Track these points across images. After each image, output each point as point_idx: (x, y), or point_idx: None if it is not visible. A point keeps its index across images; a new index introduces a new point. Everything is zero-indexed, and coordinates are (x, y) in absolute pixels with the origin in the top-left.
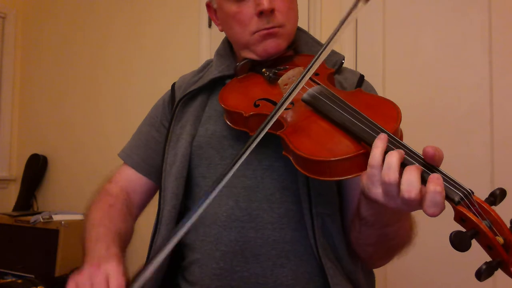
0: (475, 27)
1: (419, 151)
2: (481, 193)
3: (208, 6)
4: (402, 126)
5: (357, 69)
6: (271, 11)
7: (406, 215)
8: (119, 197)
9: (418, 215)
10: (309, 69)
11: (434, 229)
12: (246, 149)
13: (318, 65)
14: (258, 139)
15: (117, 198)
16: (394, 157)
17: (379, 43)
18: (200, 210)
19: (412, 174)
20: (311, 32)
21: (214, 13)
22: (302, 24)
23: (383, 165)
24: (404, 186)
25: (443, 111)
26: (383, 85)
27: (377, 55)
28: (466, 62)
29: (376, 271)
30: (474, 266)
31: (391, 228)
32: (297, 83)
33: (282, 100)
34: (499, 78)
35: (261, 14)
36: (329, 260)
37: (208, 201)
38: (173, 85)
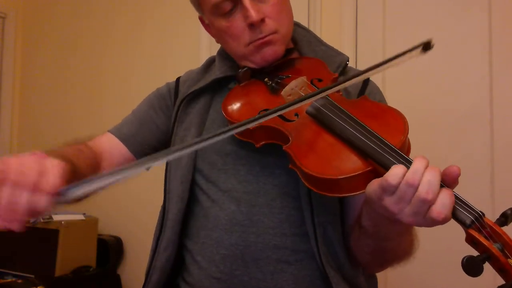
0: (475, 27)
1: (419, 151)
2: (481, 194)
3: (201, 20)
4: None
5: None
6: (261, 20)
7: (406, 230)
8: (92, 151)
9: None
10: (309, 97)
11: (436, 234)
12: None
13: (319, 97)
14: (237, 130)
15: (90, 150)
16: (420, 163)
17: (379, 43)
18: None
19: (435, 176)
20: None
21: (208, 27)
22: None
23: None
24: (423, 187)
25: (443, 111)
26: (383, 85)
27: (377, 55)
28: (466, 62)
29: (377, 274)
30: None
31: (389, 243)
32: (296, 101)
33: (263, 115)
34: (499, 78)
35: (251, 26)
36: (331, 268)
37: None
38: (178, 79)
